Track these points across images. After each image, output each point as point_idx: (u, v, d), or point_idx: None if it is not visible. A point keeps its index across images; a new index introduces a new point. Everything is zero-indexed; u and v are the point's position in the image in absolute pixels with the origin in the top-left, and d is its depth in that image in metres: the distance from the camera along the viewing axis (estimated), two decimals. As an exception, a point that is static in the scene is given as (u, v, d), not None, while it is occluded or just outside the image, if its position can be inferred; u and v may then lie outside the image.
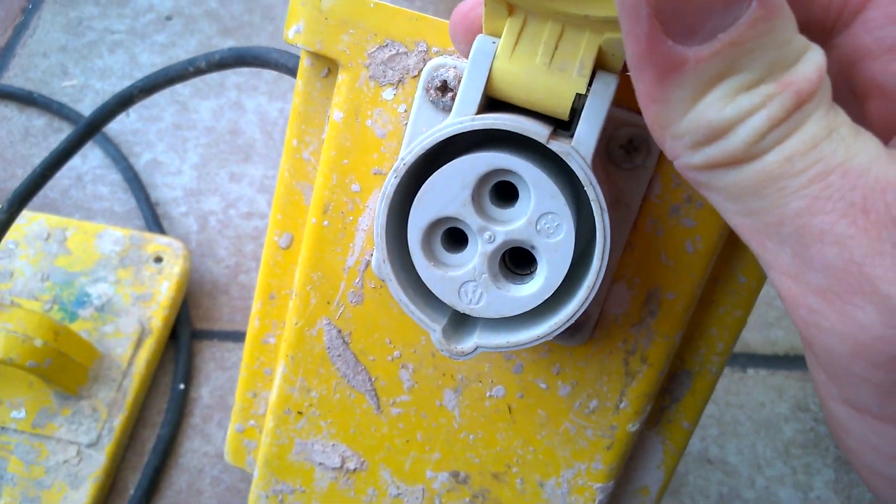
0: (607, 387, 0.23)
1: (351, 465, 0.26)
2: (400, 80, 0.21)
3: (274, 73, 0.62)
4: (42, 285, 0.44)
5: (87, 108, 0.59)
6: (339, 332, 0.24)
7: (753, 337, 0.50)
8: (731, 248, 0.22)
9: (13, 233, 0.46)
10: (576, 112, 0.17)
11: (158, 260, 0.45)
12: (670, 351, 0.23)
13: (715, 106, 0.12)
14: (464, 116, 0.17)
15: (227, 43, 0.64)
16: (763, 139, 0.12)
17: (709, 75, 0.12)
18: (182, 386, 0.43)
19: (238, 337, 0.47)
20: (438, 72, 0.20)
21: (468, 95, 0.17)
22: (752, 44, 0.12)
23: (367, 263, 0.23)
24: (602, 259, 0.17)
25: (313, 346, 0.25)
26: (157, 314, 0.43)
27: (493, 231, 0.18)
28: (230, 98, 0.60)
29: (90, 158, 0.55)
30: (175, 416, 0.42)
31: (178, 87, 0.60)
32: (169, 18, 0.65)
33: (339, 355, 0.24)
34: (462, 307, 0.19)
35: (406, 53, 0.21)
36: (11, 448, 0.40)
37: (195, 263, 0.49)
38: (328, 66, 0.23)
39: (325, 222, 0.23)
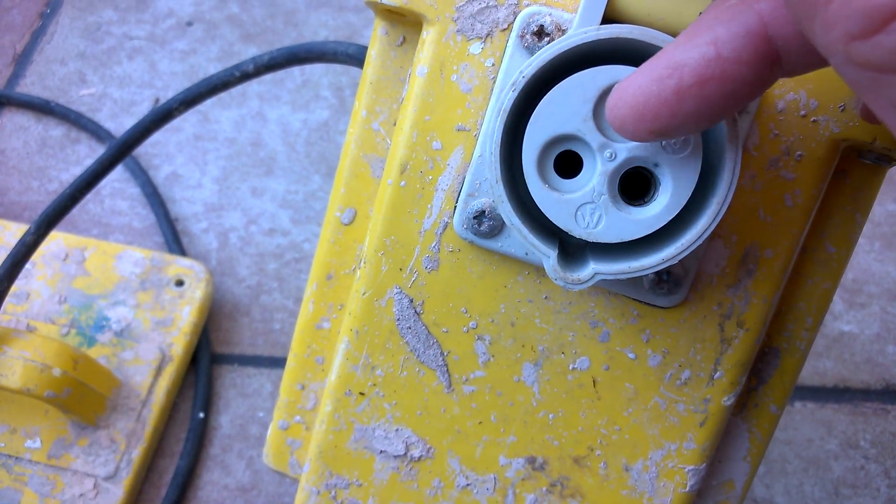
0: (701, 355, 0.22)
1: (416, 452, 0.24)
2: (489, 34, 0.21)
3: (297, 82, 0.60)
4: (59, 308, 0.43)
5: (105, 117, 0.57)
6: (411, 301, 0.23)
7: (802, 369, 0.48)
8: (819, 214, 0.21)
9: (30, 252, 0.44)
10: None
11: (180, 283, 0.44)
12: (768, 315, 0.21)
13: None
14: (587, 27, 0.17)
15: (250, 49, 0.62)
16: None
17: None
18: (202, 415, 0.41)
19: (260, 362, 0.45)
20: (535, 18, 0.19)
21: (591, 7, 0.17)
22: None
23: (446, 225, 0.22)
24: (734, 169, 0.16)
25: (382, 318, 0.23)
26: (178, 340, 0.42)
27: (615, 148, 0.17)
28: (252, 108, 0.58)
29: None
30: (194, 446, 0.41)
31: (199, 96, 0.58)
32: (190, 24, 0.64)
33: (410, 327, 0.23)
34: (579, 231, 0.18)
35: (496, 6, 0.20)
36: (26, 480, 0.38)
37: (215, 283, 0.48)
38: (403, 35, 0.22)
39: (403, 182, 0.22)
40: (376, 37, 0.23)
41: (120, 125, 0.56)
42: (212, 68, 0.60)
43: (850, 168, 0.21)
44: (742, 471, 0.25)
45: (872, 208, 0.55)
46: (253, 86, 0.59)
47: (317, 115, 0.57)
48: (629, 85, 0.15)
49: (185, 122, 0.56)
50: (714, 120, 0.14)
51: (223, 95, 0.58)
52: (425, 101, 0.21)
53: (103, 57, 0.61)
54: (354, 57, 0.32)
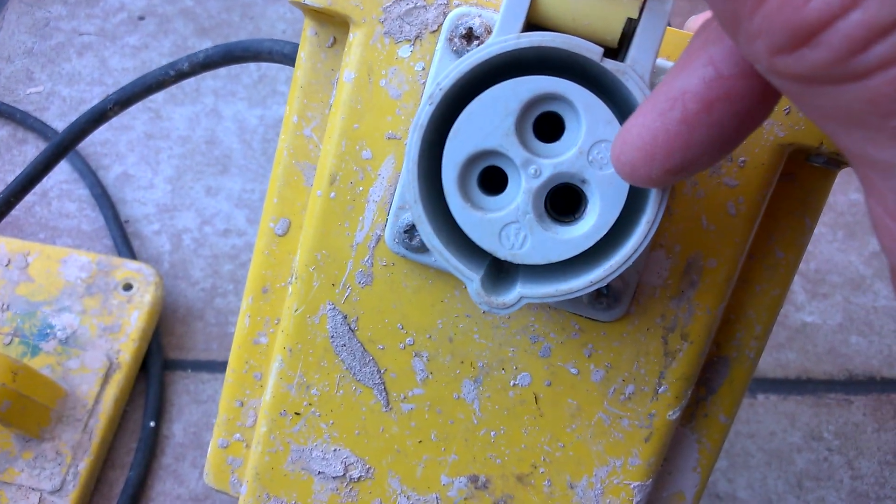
0: (645, 369, 0.21)
1: (355, 472, 0.23)
2: (417, 36, 0.20)
3: (254, 77, 0.59)
4: (2, 316, 0.41)
5: (52, 116, 0.55)
6: (345, 318, 0.22)
7: (763, 359, 0.47)
8: (767, 219, 0.21)
9: (-30, 258, 0.42)
10: (625, 39, 0.16)
11: (128, 287, 0.42)
12: (712, 327, 0.21)
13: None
14: (507, 35, 0.16)
15: (205, 44, 0.60)
16: (864, 51, 0.09)
17: None
18: (153, 423, 0.40)
19: (214, 367, 0.44)
20: (463, 20, 0.19)
21: (512, 14, 0.16)
22: None
23: (379, 238, 0.21)
24: (663, 191, 0.16)
25: (315, 336, 0.22)
26: (126, 347, 0.40)
27: (539, 164, 0.16)
28: (207, 105, 0.56)
29: (56, 172, 0.52)
30: (145, 456, 0.39)
31: (152, 92, 0.56)
32: (141, 18, 0.62)
33: (345, 345, 0.22)
34: (503, 253, 0.17)
35: (424, 7, 0.20)
36: (-32, 496, 0.37)
37: (168, 286, 0.46)
38: (334, 35, 0.21)
39: (332, 194, 0.21)
40: (306, 38, 0.22)
41: (69, 124, 0.54)
42: (164, 63, 0.59)
43: (799, 171, 0.21)
44: (692, 482, 0.24)
45: (836, 198, 0.56)
46: (207, 81, 0.57)
47: (274, 111, 0.56)
48: (631, 127, 0.14)
49: (136, 120, 0.55)
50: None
51: (176, 92, 0.57)
52: (353, 108, 0.20)
53: (51, 53, 0.59)
54: (289, 56, 0.30)
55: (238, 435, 0.26)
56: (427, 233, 0.17)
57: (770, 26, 0.10)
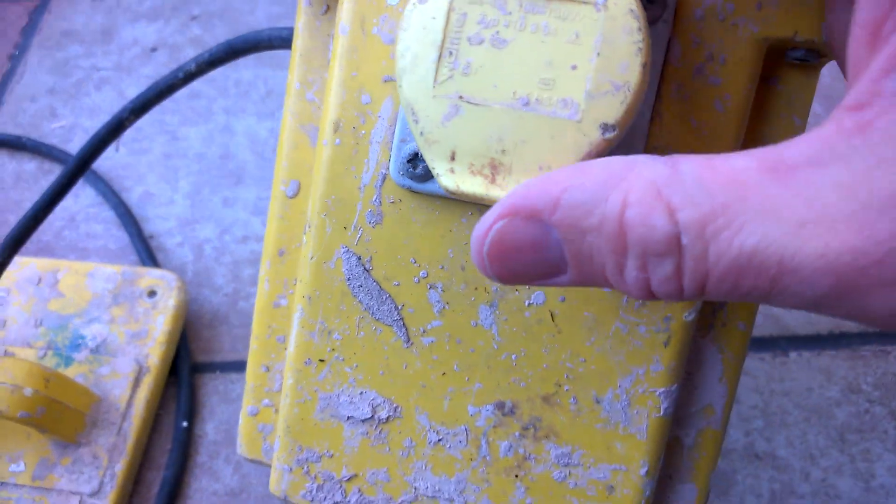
0: None
1: (383, 413, 0.23)
2: None
3: (261, 92, 0.61)
4: (36, 331, 0.43)
5: (76, 147, 0.57)
6: (359, 259, 0.22)
7: (793, 317, 0.46)
8: (756, 123, 0.21)
9: (4, 280, 0.44)
10: None
11: (152, 294, 0.43)
12: None
13: None
14: None
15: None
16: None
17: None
18: (185, 423, 0.41)
19: (242, 367, 0.45)
20: None
21: None
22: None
23: (384, 177, 0.22)
24: None
25: (332, 281, 0.23)
26: (153, 351, 0.41)
27: None
28: (219, 122, 0.58)
29: (82, 197, 0.54)
30: (179, 455, 0.40)
31: (167, 116, 0.59)
32: (154, 50, 0.64)
33: (361, 286, 0.22)
34: None
35: None
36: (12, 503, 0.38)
37: (192, 294, 0.47)
38: (327, 3, 0.23)
39: (337, 141, 0.22)
40: (301, 9, 0.23)
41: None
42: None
43: (781, 73, 0.21)
44: (720, 393, 0.24)
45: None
46: (218, 101, 0.59)
47: (284, 122, 0.58)
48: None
49: (154, 143, 0.57)
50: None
51: (190, 114, 0.59)
52: (350, 57, 0.21)
53: (72, 90, 0.62)
54: (287, 40, 0.32)
55: (267, 401, 0.26)
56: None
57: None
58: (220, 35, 0.65)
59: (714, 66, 0.20)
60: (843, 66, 0.17)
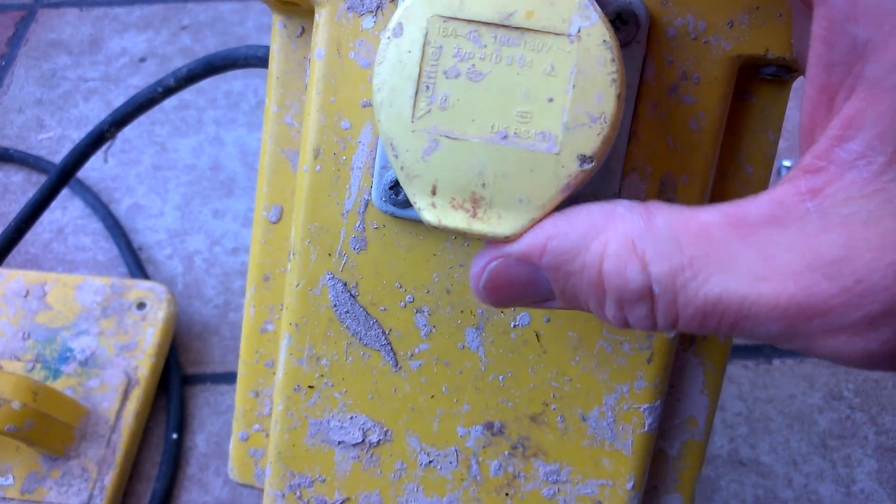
0: None
1: (373, 437, 0.24)
2: (378, 6, 0.21)
3: (251, 103, 0.61)
4: (24, 344, 0.43)
5: (65, 158, 0.57)
6: (345, 285, 0.22)
7: (774, 325, 0.47)
8: (731, 138, 0.21)
9: (-8, 293, 0.44)
10: None
11: (141, 306, 0.44)
12: None
13: None
14: None
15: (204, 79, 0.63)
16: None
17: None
18: (175, 435, 0.41)
19: (232, 378, 0.45)
20: None
21: None
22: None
23: (367, 203, 0.22)
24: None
25: (318, 307, 0.23)
26: (143, 363, 0.42)
27: None
28: (209, 133, 0.58)
29: (70, 209, 0.54)
30: (169, 468, 0.40)
31: (156, 127, 0.59)
32: (143, 60, 0.64)
33: (348, 311, 0.23)
34: None
35: None
36: (1, 518, 0.38)
37: (182, 306, 0.48)
38: (301, 25, 0.22)
39: (318, 167, 0.22)
40: (275, 31, 0.23)
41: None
42: (166, 100, 0.61)
43: (754, 88, 0.21)
44: (702, 405, 0.24)
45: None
46: (208, 112, 0.59)
47: (273, 133, 0.58)
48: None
49: (144, 154, 0.57)
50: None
51: (180, 124, 0.59)
52: (327, 82, 0.21)
53: (60, 101, 0.62)
54: (263, 59, 0.32)
55: (257, 425, 0.27)
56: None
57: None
58: (210, 46, 0.65)
59: (688, 85, 0.20)
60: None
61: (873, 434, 0.42)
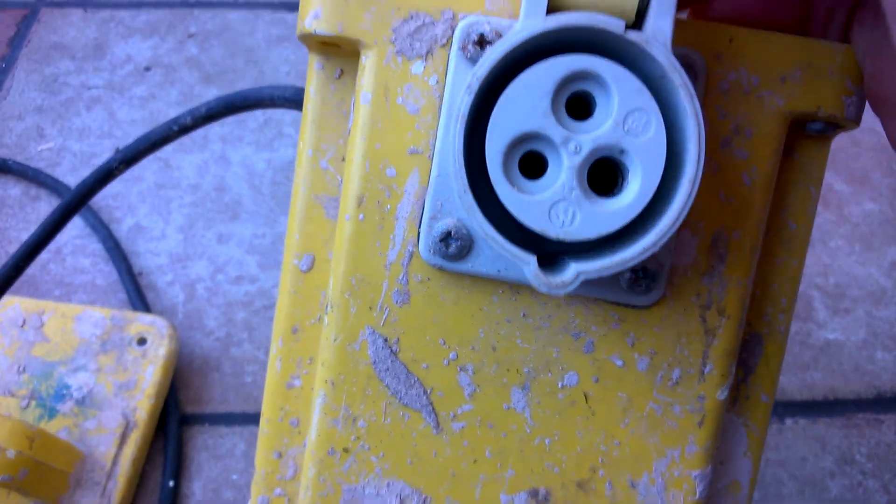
0: (688, 350, 0.21)
1: None
2: (428, 52, 0.20)
3: (259, 120, 0.59)
4: (19, 378, 0.41)
5: (64, 171, 0.56)
6: (386, 340, 0.21)
7: (789, 381, 0.46)
8: (775, 194, 0.21)
9: (-14, 321, 0.43)
10: (641, 13, 0.17)
11: (142, 342, 0.42)
12: (745, 298, 0.21)
13: None
14: (532, 19, 0.17)
15: (210, 91, 0.61)
16: None
17: None
18: (172, 483, 0.40)
19: (232, 419, 0.44)
20: (473, 28, 0.19)
21: (534, 1, 0.17)
22: None
23: (412, 254, 0.21)
24: (699, 147, 0.17)
25: (357, 364, 0.22)
26: (142, 404, 0.40)
27: (578, 140, 0.17)
28: (215, 151, 0.57)
29: (69, 228, 0.52)
30: (167, 515, 0.39)
31: (160, 142, 0.57)
32: (148, 69, 0.62)
33: (388, 369, 0.22)
34: (555, 231, 0.18)
35: (433, 23, 0.20)
36: (-9, 564, 0.37)
37: (183, 338, 0.46)
38: (340, 67, 0.22)
39: (361, 216, 0.21)
40: (312, 72, 0.22)
41: (80, 179, 0.55)
42: (171, 113, 0.59)
43: (796, 144, 0.22)
44: (745, 469, 0.24)
45: (850, 209, 0.55)
46: (214, 128, 0.58)
47: (281, 153, 0.56)
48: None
49: (146, 171, 0.55)
50: None
51: (184, 140, 0.57)
52: (373, 128, 0.20)
53: (61, 109, 0.60)
54: (292, 100, 0.31)
55: (279, 490, 0.25)
56: (480, 221, 0.17)
57: None
58: (217, 56, 0.63)
59: (741, 139, 0.20)
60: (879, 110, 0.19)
61: (885, 503, 0.42)
